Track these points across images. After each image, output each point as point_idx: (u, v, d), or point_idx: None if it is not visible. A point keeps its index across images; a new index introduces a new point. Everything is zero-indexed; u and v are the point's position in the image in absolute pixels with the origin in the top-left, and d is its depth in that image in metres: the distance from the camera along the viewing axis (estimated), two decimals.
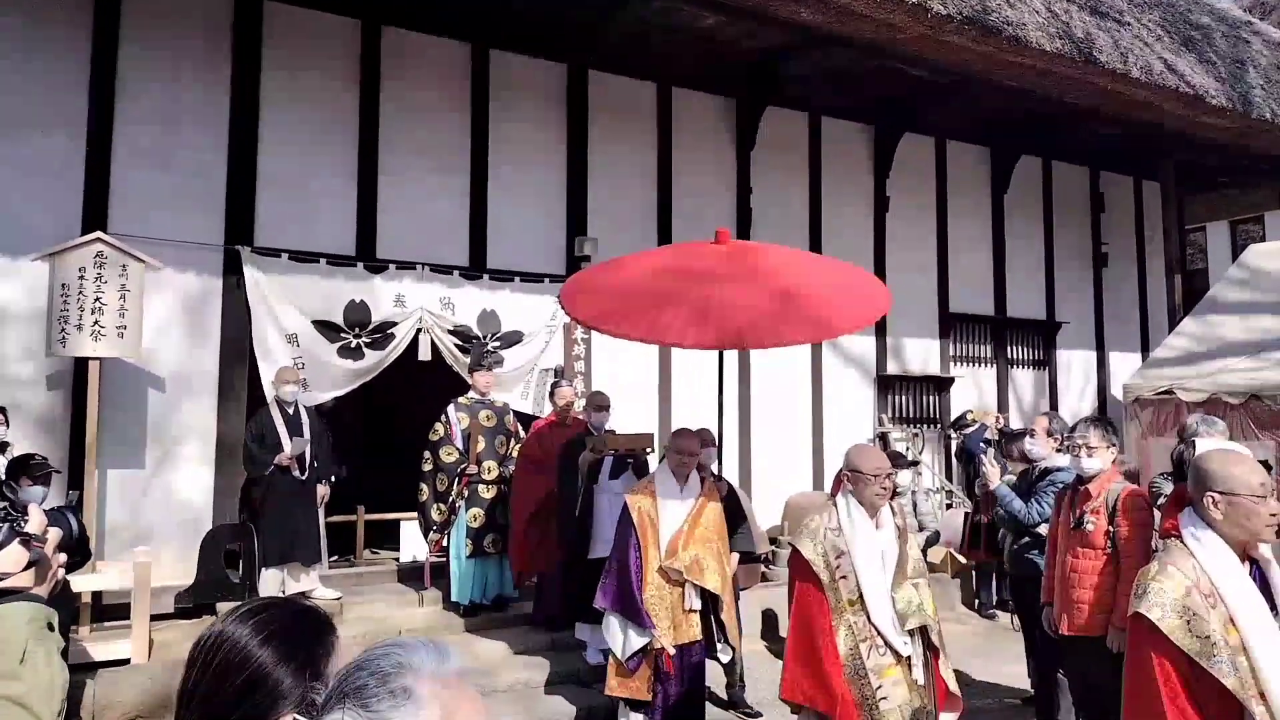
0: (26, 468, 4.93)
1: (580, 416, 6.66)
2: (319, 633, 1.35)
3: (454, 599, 6.65)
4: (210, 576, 6.23)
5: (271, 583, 6.19)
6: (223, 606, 6.01)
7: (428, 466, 6.66)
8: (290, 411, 6.43)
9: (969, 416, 8.87)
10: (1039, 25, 8.01)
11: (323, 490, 6.57)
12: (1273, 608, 2.23)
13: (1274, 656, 2.11)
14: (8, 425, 5.59)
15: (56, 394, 6.27)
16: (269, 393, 6.57)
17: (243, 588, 6.12)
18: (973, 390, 10.68)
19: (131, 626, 5.55)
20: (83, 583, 5.47)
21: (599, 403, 6.48)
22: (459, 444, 6.63)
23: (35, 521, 1.54)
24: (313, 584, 6.46)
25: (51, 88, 6.36)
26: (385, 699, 0.95)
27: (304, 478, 6.35)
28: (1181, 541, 2.33)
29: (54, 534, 1.59)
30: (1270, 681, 2.10)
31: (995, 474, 5.00)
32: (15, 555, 1.47)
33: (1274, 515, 2.27)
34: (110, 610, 5.99)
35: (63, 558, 1.59)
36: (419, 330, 7.31)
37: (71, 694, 4.76)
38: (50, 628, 1.49)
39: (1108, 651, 3.95)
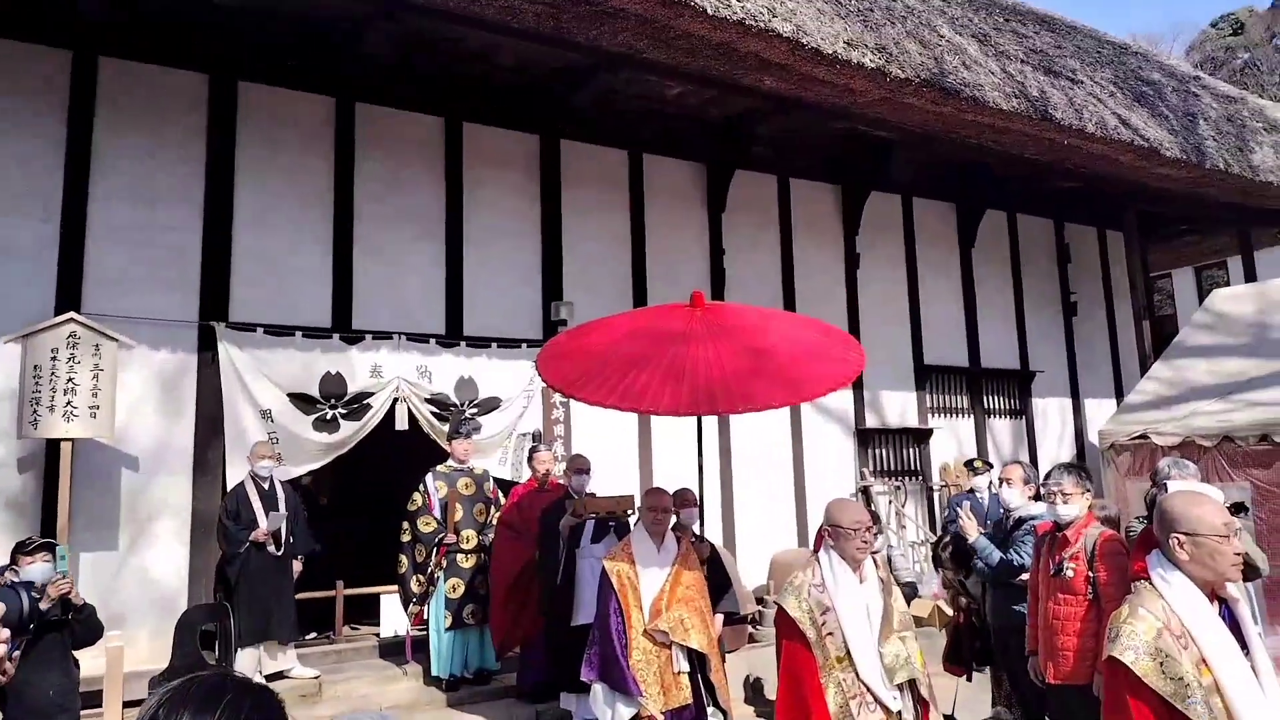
0: (22, 549, 4.82)
1: (560, 481, 6.63)
2: (281, 712, 1.33)
3: (434, 673, 6.52)
4: (185, 660, 6.06)
5: (248, 663, 6.06)
6: None
7: (406, 537, 6.59)
8: (266, 487, 6.37)
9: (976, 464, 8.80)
10: (995, 85, 8.28)
11: (297, 566, 6.48)
12: (1243, 647, 2.24)
13: (1246, 696, 2.12)
14: None
15: (28, 476, 6.18)
16: (243, 468, 6.51)
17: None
18: (952, 441, 10.73)
19: (103, 716, 5.39)
20: None
21: (579, 466, 6.46)
22: (436, 513, 6.58)
23: None
24: (290, 663, 6.33)
25: (25, 168, 6.39)
26: None
27: (279, 554, 6.27)
28: (1150, 584, 2.35)
29: None
30: None
31: (972, 527, 4.99)
32: None
33: (1239, 555, 2.30)
34: (84, 698, 5.80)
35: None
36: (396, 400, 7.29)
37: None
38: None
39: (1094, 698, 3.92)
